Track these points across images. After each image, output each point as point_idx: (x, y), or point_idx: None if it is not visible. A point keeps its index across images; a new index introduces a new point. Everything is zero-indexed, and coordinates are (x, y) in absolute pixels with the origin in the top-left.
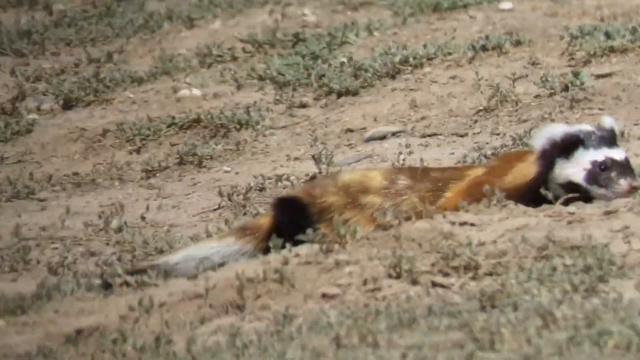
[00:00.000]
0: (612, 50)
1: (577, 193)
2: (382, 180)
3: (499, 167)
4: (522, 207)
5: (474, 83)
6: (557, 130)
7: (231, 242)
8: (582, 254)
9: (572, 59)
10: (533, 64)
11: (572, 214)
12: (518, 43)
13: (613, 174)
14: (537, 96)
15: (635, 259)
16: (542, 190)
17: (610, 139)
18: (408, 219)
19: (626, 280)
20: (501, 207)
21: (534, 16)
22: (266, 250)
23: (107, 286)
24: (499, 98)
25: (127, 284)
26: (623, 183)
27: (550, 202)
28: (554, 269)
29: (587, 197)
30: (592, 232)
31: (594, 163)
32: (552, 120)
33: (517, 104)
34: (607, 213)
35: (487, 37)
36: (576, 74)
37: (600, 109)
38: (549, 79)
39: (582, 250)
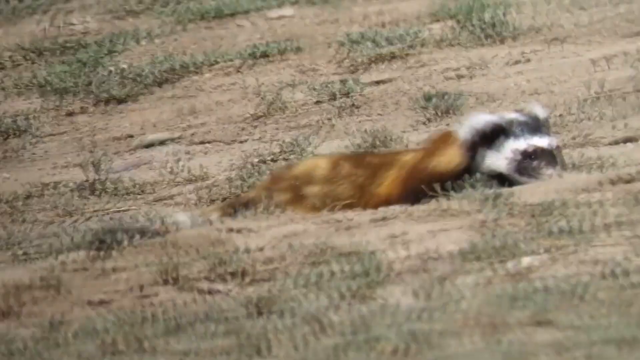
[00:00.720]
0: (391, 56)
1: (502, 181)
2: (327, 167)
3: (427, 151)
4: (295, 214)
5: (254, 89)
6: (481, 119)
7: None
8: (359, 260)
9: (351, 64)
10: (312, 70)
11: (350, 219)
12: (296, 50)
13: (538, 163)
14: (315, 102)
15: (408, 265)
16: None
17: (536, 126)
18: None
19: (399, 286)
20: (275, 213)
21: (313, 22)
22: None
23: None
24: (278, 104)
25: None
26: (548, 172)
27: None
28: (332, 274)
29: (512, 185)
30: (369, 238)
31: (519, 152)
32: (331, 126)
33: (295, 109)
34: (385, 219)
35: (266, 44)
36: (355, 80)
37: (379, 114)
38: (327, 84)
39: (355, 256)
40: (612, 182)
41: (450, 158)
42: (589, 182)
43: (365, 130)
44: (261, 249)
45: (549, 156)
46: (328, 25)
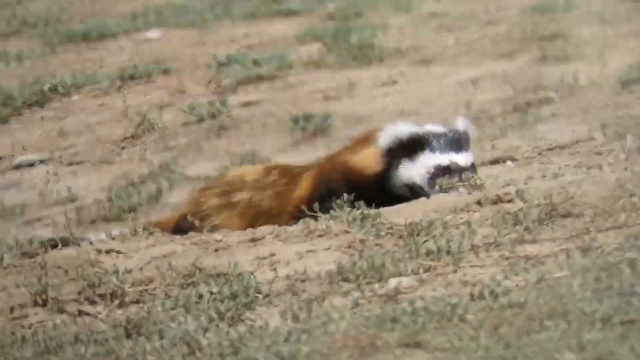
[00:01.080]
0: (259, 77)
1: (419, 195)
2: (258, 174)
3: (346, 148)
4: (168, 235)
5: (122, 111)
6: (404, 130)
7: None
8: (228, 282)
9: (220, 86)
10: (181, 92)
11: (218, 241)
12: (166, 71)
13: (455, 180)
14: (184, 124)
15: (281, 287)
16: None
17: (459, 142)
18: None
19: (272, 307)
20: (148, 234)
21: (181, 45)
22: None
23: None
24: (146, 126)
25: None
26: (463, 191)
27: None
28: (200, 296)
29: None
30: (238, 260)
31: (438, 167)
32: (199, 148)
33: (164, 131)
34: (254, 240)
35: (135, 66)
36: (223, 102)
37: (247, 135)
38: (196, 106)
39: (228, 278)
40: (490, 202)
41: (368, 159)
42: (466, 202)
43: (233, 152)
44: (129, 271)
45: (464, 173)
46: (197, 47)
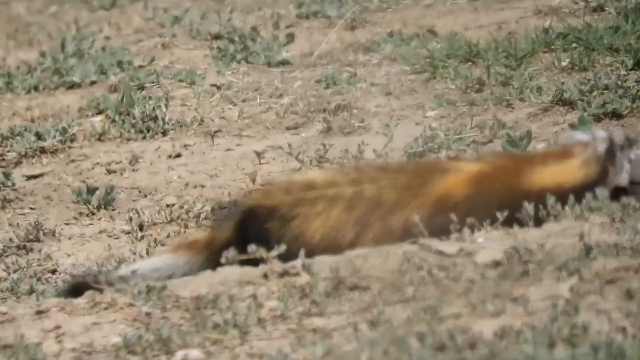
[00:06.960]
0: (42, 150)
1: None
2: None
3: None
4: None
5: None
6: (617, 133)
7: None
8: (15, 354)
9: (3, 160)
10: None
11: (4, 313)
12: None
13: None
14: None
15: (67, 359)
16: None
17: None
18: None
19: None
20: None
21: None
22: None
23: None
24: None
25: None
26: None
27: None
28: None
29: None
30: (24, 332)
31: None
32: None
33: None
34: (39, 312)
35: None
36: (7, 175)
37: (31, 208)
38: None
39: (14, 350)
40: (277, 275)
41: (573, 170)
42: (253, 275)
43: (17, 225)
44: None
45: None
46: None
